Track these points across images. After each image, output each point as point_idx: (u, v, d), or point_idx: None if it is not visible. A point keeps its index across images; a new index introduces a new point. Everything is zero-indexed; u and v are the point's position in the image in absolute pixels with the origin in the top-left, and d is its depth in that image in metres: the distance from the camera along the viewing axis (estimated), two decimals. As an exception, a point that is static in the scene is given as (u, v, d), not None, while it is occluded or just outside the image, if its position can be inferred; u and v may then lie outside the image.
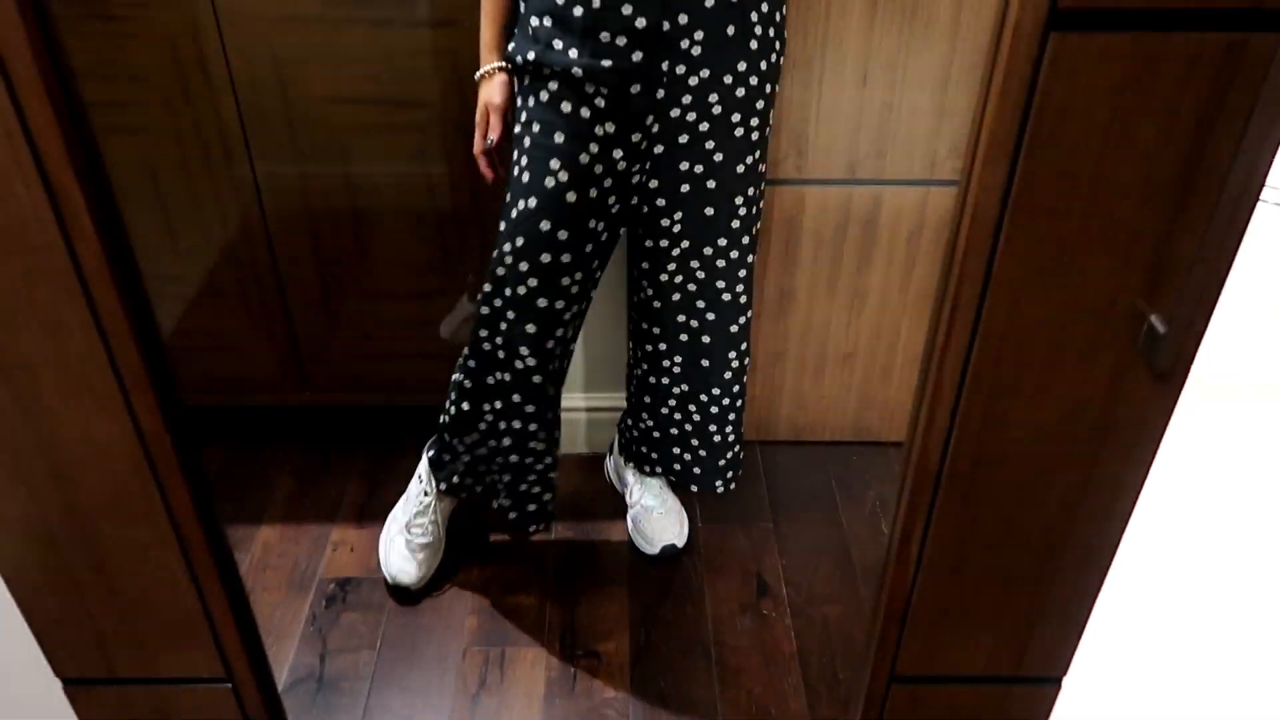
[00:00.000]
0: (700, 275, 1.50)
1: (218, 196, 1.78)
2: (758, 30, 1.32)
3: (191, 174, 1.75)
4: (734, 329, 1.58)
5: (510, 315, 1.45)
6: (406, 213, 1.81)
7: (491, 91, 1.40)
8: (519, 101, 1.39)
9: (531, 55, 1.31)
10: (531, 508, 1.71)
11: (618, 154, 1.35)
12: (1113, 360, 0.66)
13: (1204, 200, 0.59)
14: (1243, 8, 0.53)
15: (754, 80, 1.36)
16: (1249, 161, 0.56)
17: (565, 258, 1.40)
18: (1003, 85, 0.56)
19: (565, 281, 1.43)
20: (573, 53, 1.28)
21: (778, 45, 1.38)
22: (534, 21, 1.31)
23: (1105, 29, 0.53)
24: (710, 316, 1.55)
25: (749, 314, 1.59)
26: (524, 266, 1.40)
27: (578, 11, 1.26)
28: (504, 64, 1.38)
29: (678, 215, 1.44)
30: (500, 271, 1.43)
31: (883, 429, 2.05)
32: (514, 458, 1.61)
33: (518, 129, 1.39)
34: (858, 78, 1.68)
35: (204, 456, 0.91)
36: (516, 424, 1.56)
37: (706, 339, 1.58)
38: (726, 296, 1.54)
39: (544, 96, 1.33)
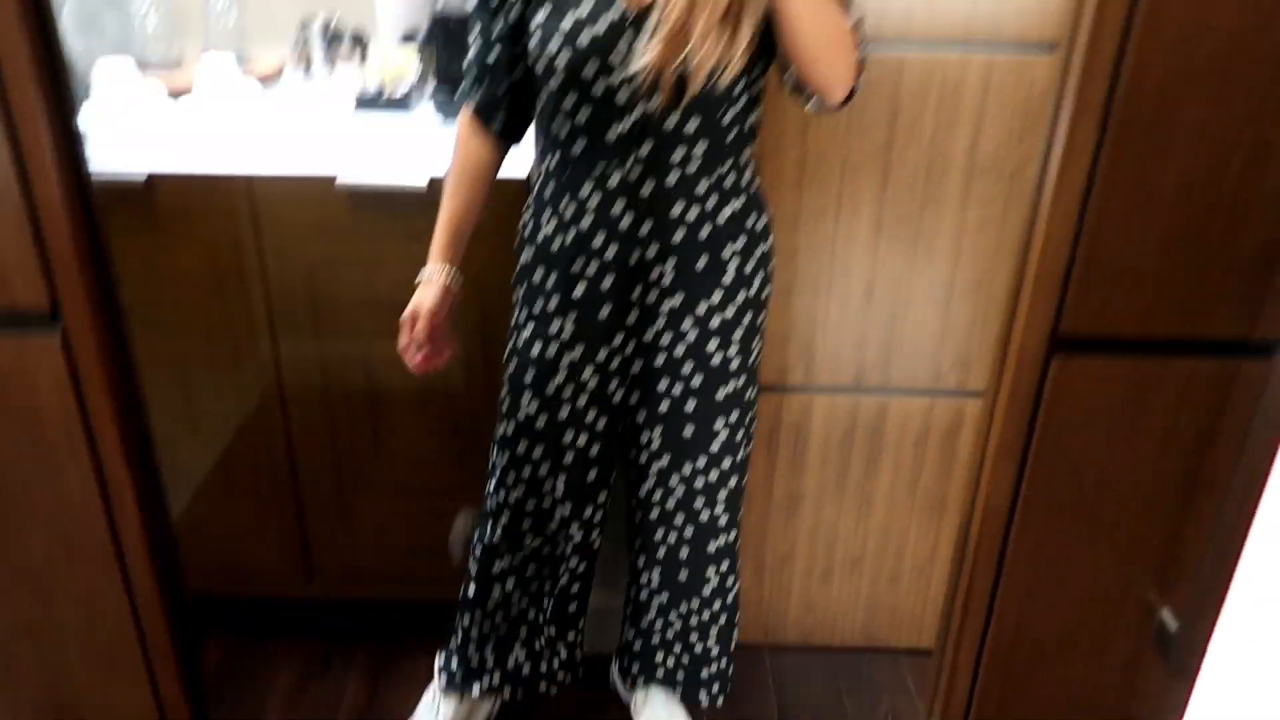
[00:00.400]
0: (679, 493, 1.52)
1: (241, 391, 1.82)
2: (732, 265, 1.38)
3: (218, 370, 1.80)
4: (712, 549, 1.58)
5: (505, 519, 1.53)
6: (425, 411, 1.84)
7: (425, 297, 1.43)
8: (512, 321, 1.47)
9: (523, 289, 1.42)
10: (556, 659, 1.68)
11: (587, 373, 1.41)
12: (1126, 652, 0.67)
13: (1209, 504, 0.61)
14: (1233, 338, 0.57)
15: (730, 312, 1.40)
16: (1249, 471, 0.58)
17: (543, 470, 1.48)
18: (1009, 401, 0.59)
19: (548, 487, 1.50)
20: (550, 281, 1.37)
21: (759, 279, 1.43)
22: (525, 254, 1.41)
23: (1105, 354, 0.57)
24: (688, 534, 1.56)
25: (731, 535, 1.59)
26: (510, 478, 1.50)
27: (555, 245, 1.35)
28: (448, 277, 1.43)
29: (657, 431, 1.47)
30: (496, 476, 1.52)
31: (892, 635, 2.02)
32: (533, 610, 1.62)
33: (507, 349, 1.47)
34: (864, 292, 1.75)
35: (204, 648, 0.90)
36: (534, 586, 1.59)
37: (684, 554, 1.58)
38: (704, 516, 1.55)
39: (521, 339, 1.42)
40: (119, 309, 0.65)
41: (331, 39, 2.03)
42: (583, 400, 1.44)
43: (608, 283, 1.35)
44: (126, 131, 1.73)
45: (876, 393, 1.83)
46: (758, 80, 1.32)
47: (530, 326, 1.41)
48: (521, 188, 1.66)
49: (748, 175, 1.38)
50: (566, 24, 1.22)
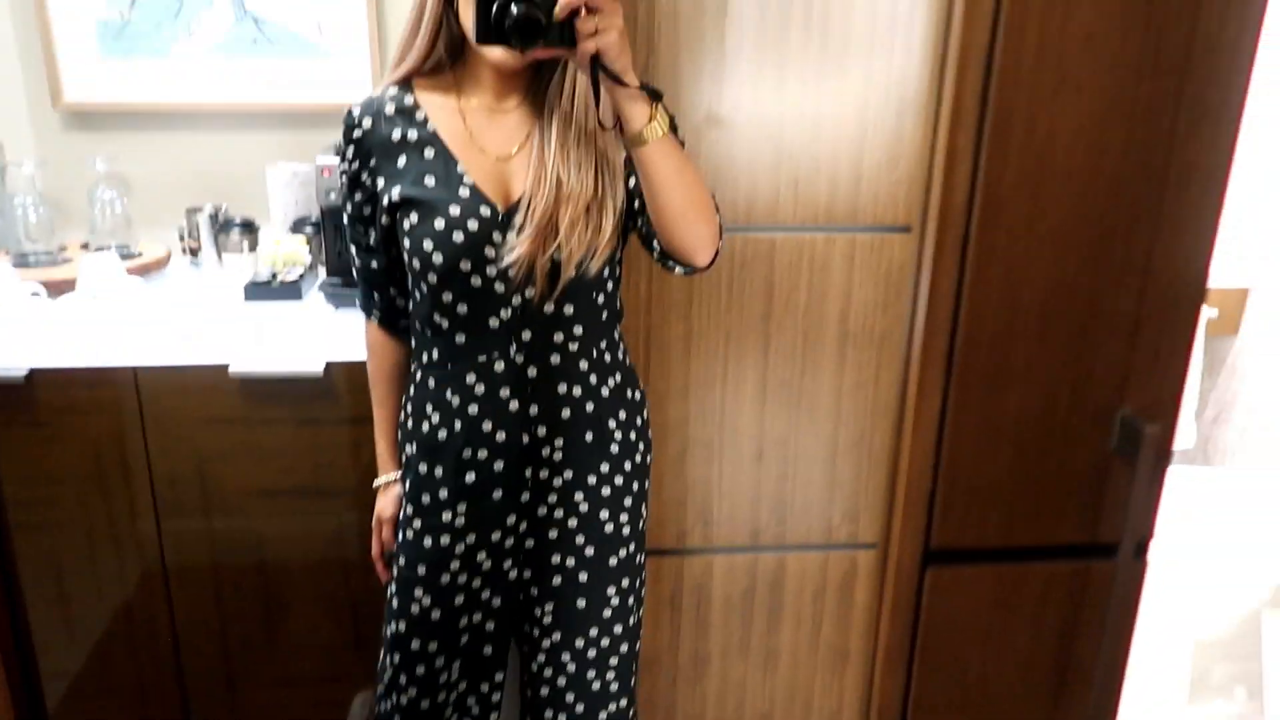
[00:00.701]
0: (570, 669, 1.51)
1: (124, 589, 1.74)
2: (617, 435, 1.43)
3: (99, 567, 1.73)
4: (602, 716, 1.57)
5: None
6: (318, 594, 1.80)
7: (385, 504, 1.48)
8: (400, 528, 1.46)
9: (407, 484, 1.41)
10: None
11: (481, 556, 1.41)
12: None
13: (1080, 691, 0.67)
14: (1081, 542, 0.64)
15: (619, 480, 1.44)
16: (1109, 660, 0.64)
17: (439, 661, 1.44)
18: (892, 613, 0.64)
19: (444, 678, 1.46)
20: (438, 471, 1.37)
21: (641, 447, 1.48)
22: (408, 449, 1.41)
23: (973, 563, 0.62)
24: (579, 709, 1.54)
25: (623, 701, 1.58)
26: (402, 679, 1.45)
27: (442, 435, 1.36)
28: (395, 476, 1.47)
29: (549, 606, 1.48)
30: (385, 680, 1.47)
31: (807, 793, 2.00)
32: None
33: (394, 550, 1.45)
34: (754, 454, 1.82)
35: None
36: None
37: None
38: (596, 685, 1.54)
39: (409, 534, 1.41)
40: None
41: (221, 227, 2.05)
42: (478, 582, 1.43)
43: (500, 465, 1.37)
44: (5, 329, 1.69)
45: (773, 550, 1.87)
46: (620, 262, 1.41)
47: (419, 521, 1.40)
48: (417, 371, 1.69)
49: (621, 350, 1.45)
50: (439, 224, 1.27)
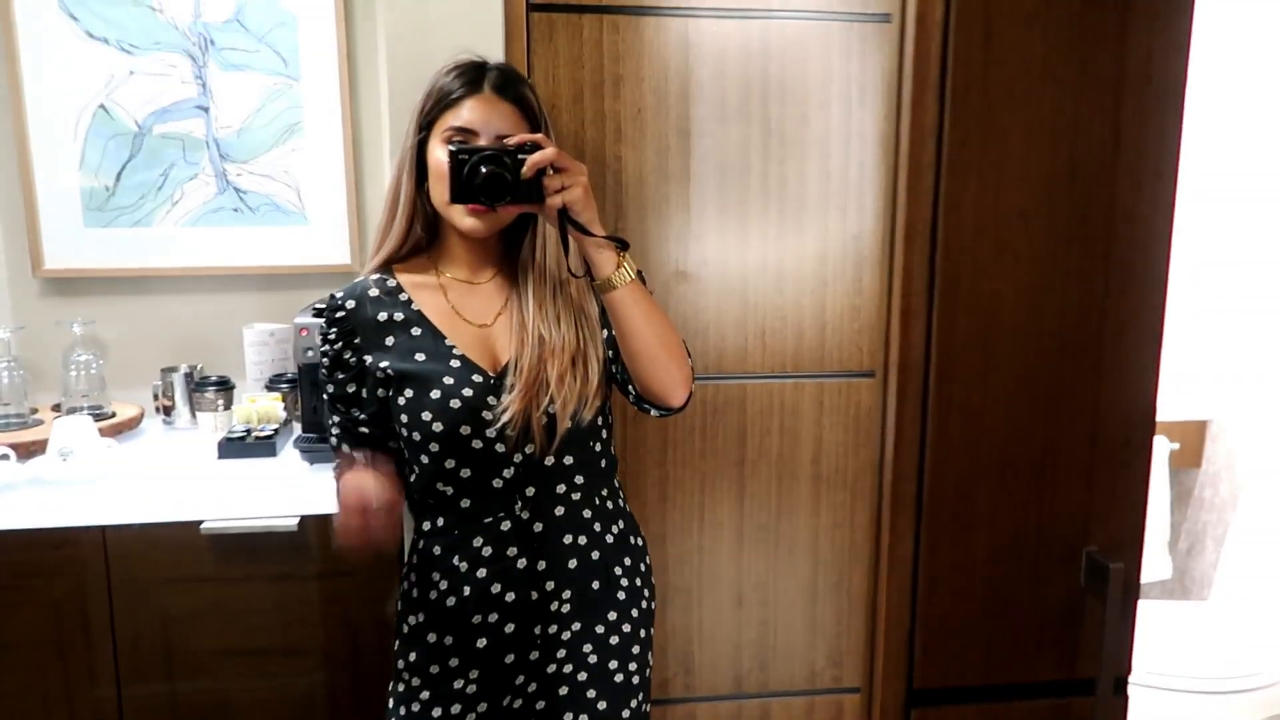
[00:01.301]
0: None
1: (79, 762, 1.66)
2: (624, 582, 1.43)
3: (53, 735, 1.65)
4: None
5: None
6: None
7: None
8: (391, 702, 1.40)
9: (413, 657, 1.37)
10: None
11: None
12: None
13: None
14: (1060, 679, 0.65)
15: (627, 628, 1.43)
16: None
17: None
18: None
19: None
20: (448, 640, 1.35)
21: (646, 592, 1.48)
22: (412, 620, 1.38)
23: (956, 703, 0.63)
24: None
25: None
26: None
27: (451, 602, 1.35)
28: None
29: None
30: None
31: None
32: None
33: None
34: (733, 600, 1.81)
35: None
36: None
37: None
38: None
39: (416, 706, 1.36)
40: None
41: (195, 386, 2.07)
42: None
43: (510, 628, 1.35)
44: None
45: (757, 697, 1.84)
46: (610, 410, 1.45)
47: (427, 692, 1.36)
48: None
49: (620, 498, 1.47)
50: (435, 394, 1.31)
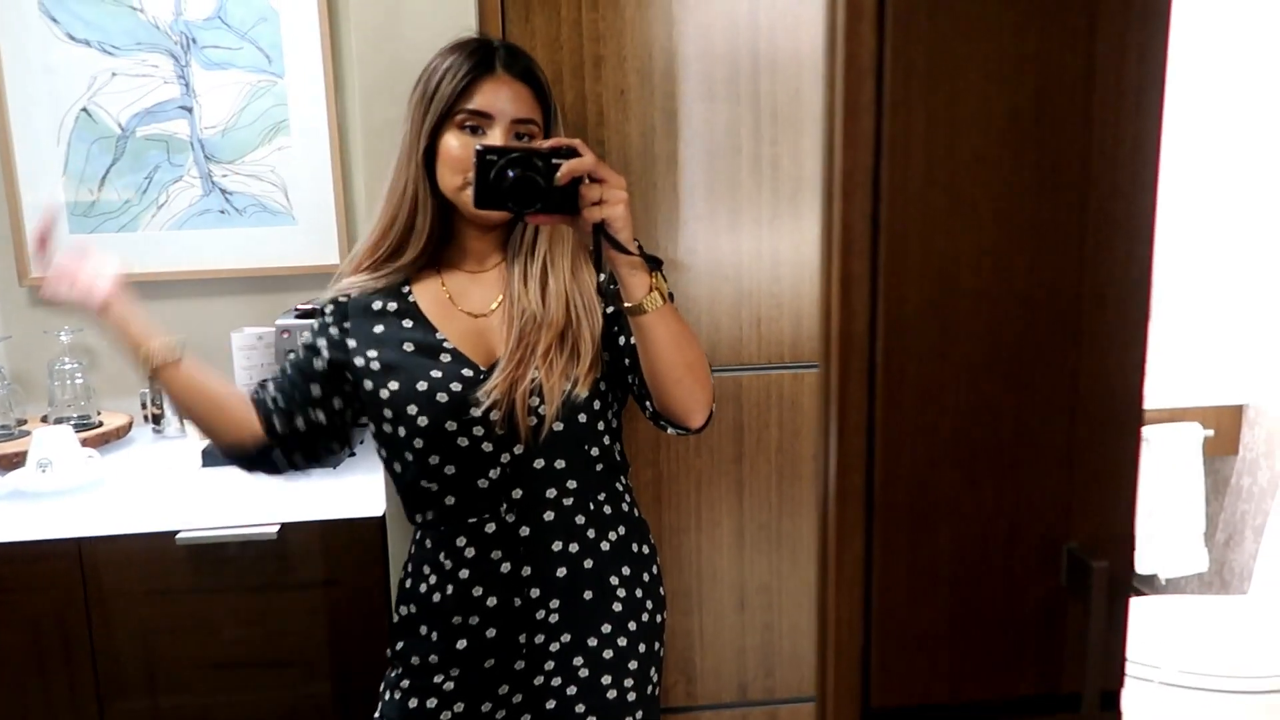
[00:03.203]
0: None
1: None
2: (620, 593, 1.34)
3: (34, 761, 1.61)
4: None
5: None
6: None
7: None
8: (382, 684, 1.35)
9: (400, 645, 1.32)
10: None
11: None
12: None
13: None
14: (1043, 694, 0.57)
15: (622, 641, 1.34)
16: None
17: None
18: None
19: None
20: (433, 636, 1.29)
21: (650, 604, 1.38)
22: (404, 609, 1.33)
23: (916, 729, 0.56)
24: None
25: None
26: None
27: (437, 598, 1.29)
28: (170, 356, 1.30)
29: None
30: None
31: None
32: None
33: (377, 712, 1.34)
34: (736, 603, 1.73)
35: None
36: None
37: None
38: None
39: (396, 694, 1.31)
40: None
41: (184, 391, 2.02)
42: None
43: (492, 631, 1.28)
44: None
45: (763, 704, 1.76)
46: (617, 413, 1.36)
47: (407, 681, 1.31)
48: (377, 528, 1.63)
49: (626, 502, 1.38)
50: (421, 387, 1.24)
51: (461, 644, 1.29)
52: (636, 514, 1.40)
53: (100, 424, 2.00)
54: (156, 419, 2.07)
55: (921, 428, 0.54)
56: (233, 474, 1.79)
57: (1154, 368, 2.92)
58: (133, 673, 1.62)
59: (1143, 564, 2.67)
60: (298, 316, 1.85)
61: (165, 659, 1.62)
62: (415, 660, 1.31)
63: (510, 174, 1.11)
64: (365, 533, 1.62)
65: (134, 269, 2.12)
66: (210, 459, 1.83)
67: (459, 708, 1.30)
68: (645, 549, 1.40)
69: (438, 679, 1.30)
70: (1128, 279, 0.55)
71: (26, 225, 2.08)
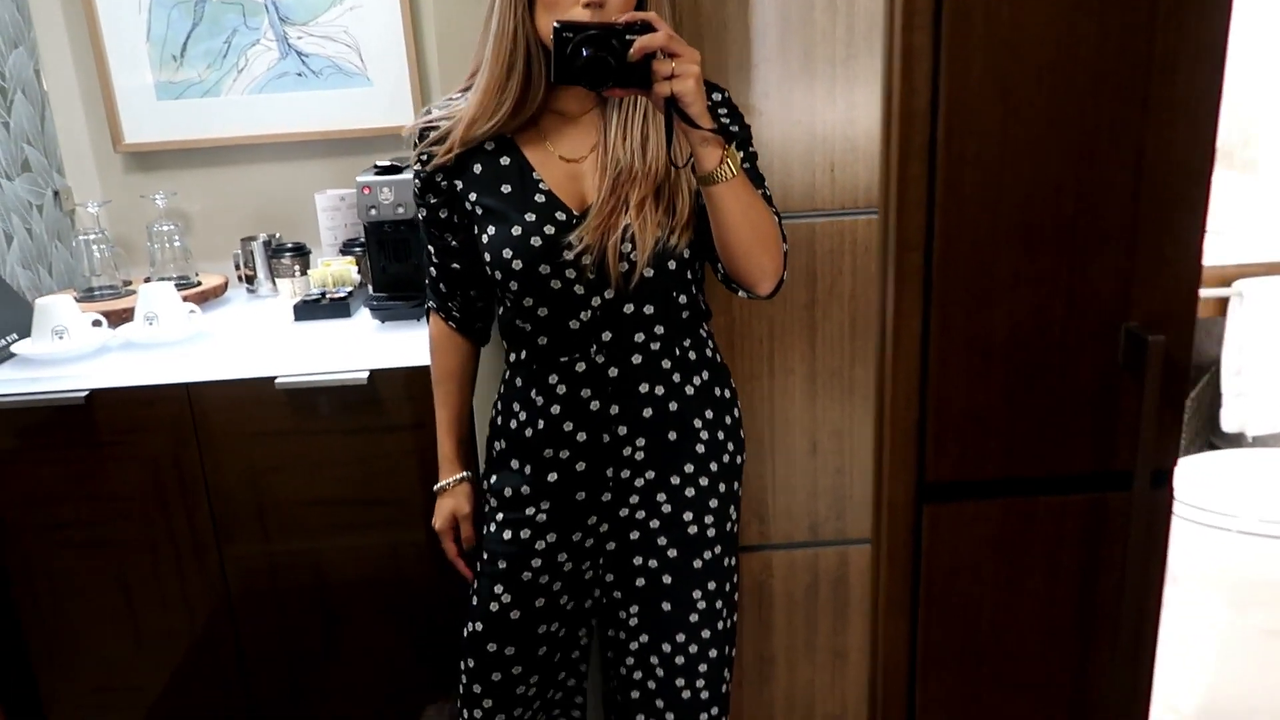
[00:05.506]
0: (659, 673, 1.47)
1: (188, 602, 1.78)
2: (704, 435, 1.39)
3: (163, 582, 1.77)
4: None
5: None
6: (378, 605, 1.81)
7: (459, 502, 1.47)
8: (481, 523, 1.45)
9: (494, 479, 1.40)
10: None
11: (562, 558, 1.39)
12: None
13: (1106, 640, 0.61)
14: (1095, 471, 0.59)
15: (704, 481, 1.40)
16: (1136, 600, 0.59)
17: (516, 669, 1.42)
18: (890, 555, 0.60)
19: (521, 690, 1.43)
20: (526, 469, 1.36)
21: (730, 446, 1.43)
22: (497, 445, 1.40)
23: (973, 498, 0.58)
24: (670, 716, 1.50)
25: (713, 710, 1.52)
26: (477, 688, 1.42)
27: (528, 433, 1.35)
28: (466, 474, 1.46)
29: (634, 609, 1.44)
30: (461, 691, 1.44)
31: (884, 801, 1.92)
32: None
33: (478, 544, 1.44)
34: (808, 448, 1.77)
35: None
36: None
37: None
38: (686, 694, 1.49)
39: (492, 527, 1.39)
40: None
41: (273, 253, 2.11)
42: (558, 585, 1.41)
43: (581, 465, 1.35)
44: (68, 357, 1.76)
45: (834, 545, 1.81)
46: (702, 262, 1.37)
47: (502, 514, 1.39)
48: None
49: (709, 348, 1.42)
50: (516, 231, 1.27)
51: (552, 477, 1.35)
52: (719, 359, 1.44)
53: (199, 283, 2.11)
54: (250, 279, 2.16)
55: (982, 206, 0.54)
56: (325, 326, 1.88)
57: (1252, 220, 2.79)
58: (245, 512, 1.74)
59: (1230, 421, 2.62)
60: (378, 173, 1.89)
61: (273, 497, 1.74)
62: (509, 493, 1.38)
63: (585, 52, 1.13)
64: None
65: (221, 134, 2.19)
66: (303, 313, 1.92)
67: (551, 537, 1.38)
68: (727, 393, 1.44)
69: (529, 510, 1.37)
70: (1202, 41, 0.53)
71: (117, 93, 2.15)
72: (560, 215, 1.28)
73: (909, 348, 0.60)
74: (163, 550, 1.76)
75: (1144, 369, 0.57)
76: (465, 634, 1.43)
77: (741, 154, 1.31)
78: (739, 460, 1.46)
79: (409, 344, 1.74)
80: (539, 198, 1.28)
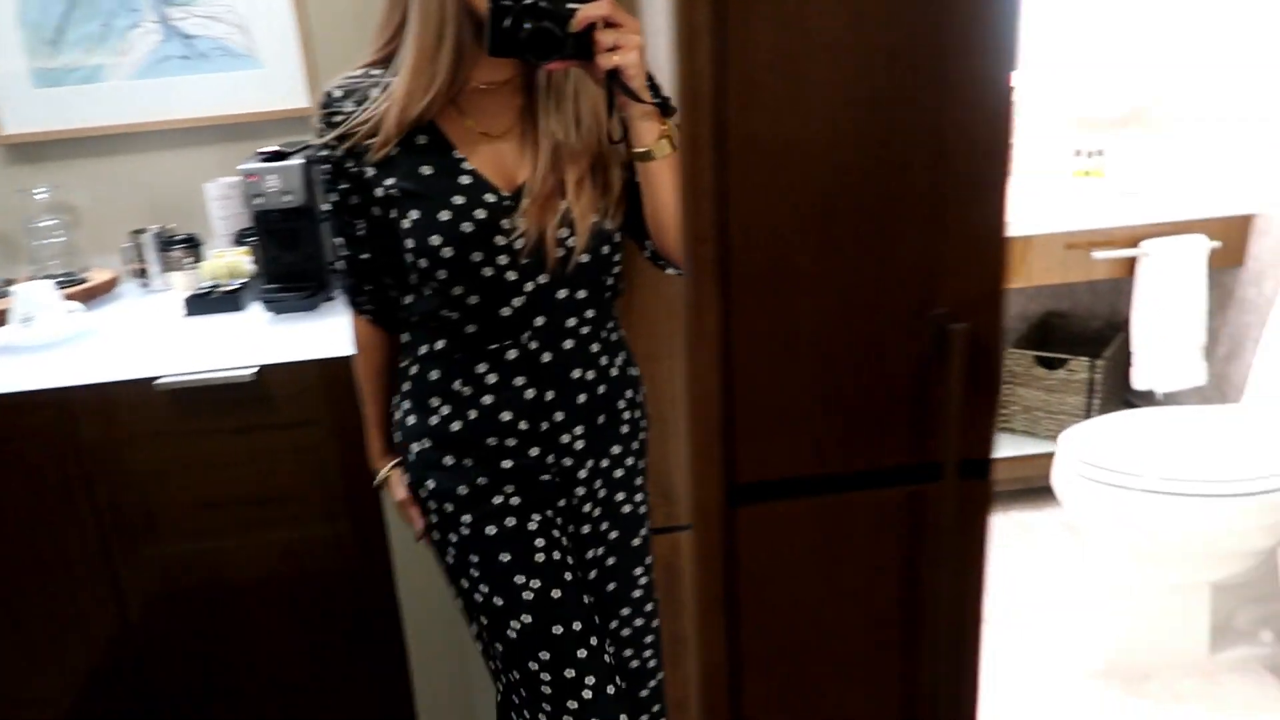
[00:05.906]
0: (611, 648, 1.45)
1: (83, 617, 1.73)
2: (625, 415, 1.37)
3: (52, 599, 1.71)
4: (643, 693, 1.52)
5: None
6: (284, 607, 1.77)
7: (396, 490, 1.38)
8: (435, 536, 1.34)
9: (432, 484, 1.29)
10: None
11: (556, 533, 1.33)
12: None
13: (933, 633, 0.60)
14: (910, 464, 0.58)
15: (630, 460, 1.39)
16: (955, 591, 0.58)
17: (593, 640, 1.32)
18: (704, 558, 0.58)
19: (609, 659, 1.34)
20: (467, 462, 1.27)
21: (644, 424, 1.43)
22: (414, 448, 1.30)
23: (787, 497, 0.57)
24: (623, 685, 1.48)
25: (659, 676, 1.54)
26: (570, 673, 1.30)
27: (455, 426, 1.27)
28: (397, 463, 1.36)
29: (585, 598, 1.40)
30: (549, 692, 1.31)
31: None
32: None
33: (450, 562, 1.33)
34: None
35: None
36: None
37: None
38: (635, 664, 1.50)
39: (465, 530, 1.29)
40: None
41: (164, 246, 2.03)
42: (570, 559, 1.33)
43: (535, 451, 1.29)
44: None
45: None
46: (622, 240, 1.32)
47: (469, 515, 1.29)
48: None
49: (620, 328, 1.39)
50: (444, 216, 1.18)
51: (507, 464, 1.28)
52: (626, 339, 1.41)
53: (84, 280, 2.03)
54: (141, 273, 2.08)
55: (779, 192, 0.52)
56: (215, 321, 1.82)
57: (1162, 180, 2.82)
58: (135, 520, 1.69)
59: (1139, 379, 2.67)
60: (263, 160, 1.83)
61: (162, 502, 1.69)
62: (464, 490, 1.28)
63: (526, 25, 1.07)
64: (342, 371, 1.65)
65: (103, 122, 2.10)
66: (194, 307, 1.85)
67: (536, 516, 1.30)
68: (635, 371, 1.42)
69: (498, 500, 1.28)
70: (991, 18, 0.51)
71: (-12, 82, 2.05)
72: (490, 197, 1.20)
73: (709, 345, 0.58)
74: (52, 565, 1.70)
75: (949, 359, 0.55)
76: (512, 639, 1.28)
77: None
78: (646, 436, 1.45)
79: (301, 337, 1.69)
80: (464, 179, 1.20)
